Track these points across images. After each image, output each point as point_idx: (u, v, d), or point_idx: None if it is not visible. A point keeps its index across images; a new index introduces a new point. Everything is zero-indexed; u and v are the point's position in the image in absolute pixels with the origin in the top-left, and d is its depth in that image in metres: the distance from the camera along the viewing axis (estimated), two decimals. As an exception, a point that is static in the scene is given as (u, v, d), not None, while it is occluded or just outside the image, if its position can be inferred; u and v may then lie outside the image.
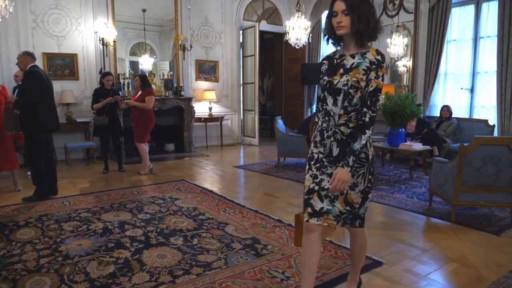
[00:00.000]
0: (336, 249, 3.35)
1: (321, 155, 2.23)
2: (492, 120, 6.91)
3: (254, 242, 3.50)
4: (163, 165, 7.30)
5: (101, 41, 7.71)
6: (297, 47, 8.07)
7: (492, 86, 6.99)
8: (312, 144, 2.28)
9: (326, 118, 2.19)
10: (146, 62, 8.75)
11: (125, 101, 6.52)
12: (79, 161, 7.64)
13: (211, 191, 5.32)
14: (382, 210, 4.60)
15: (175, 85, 8.82)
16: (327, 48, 10.32)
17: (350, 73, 2.08)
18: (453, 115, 7.15)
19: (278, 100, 11.64)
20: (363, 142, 2.07)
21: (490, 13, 7.02)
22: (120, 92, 7.30)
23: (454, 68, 7.69)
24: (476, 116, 7.38)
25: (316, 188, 2.21)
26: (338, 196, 2.20)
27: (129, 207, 4.58)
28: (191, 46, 8.80)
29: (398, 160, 7.61)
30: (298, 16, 7.69)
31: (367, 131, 2.07)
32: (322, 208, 2.18)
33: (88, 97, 7.46)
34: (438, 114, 7.45)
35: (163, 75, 8.88)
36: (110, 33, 7.75)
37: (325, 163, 2.21)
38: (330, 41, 2.21)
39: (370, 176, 2.23)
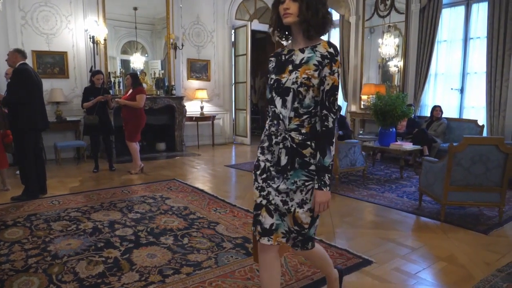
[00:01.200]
0: (327, 248, 3.36)
1: (268, 164, 1.96)
2: (482, 120, 6.98)
3: (244, 241, 3.50)
4: (154, 164, 7.27)
5: (91, 39, 7.65)
6: (289, 47, 8.06)
7: (481, 86, 7.05)
8: (259, 150, 2.01)
9: (275, 122, 1.92)
10: (137, 61, 8.71)
11: (116, 100, 6.47)
12: (69, 160, 7.57)
13: (202, 191, 5.31)
14: (372, 209, 4.62)
15: (166, 84, 8.78)
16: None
17: (299, 70, 1.83)
18: (443, 115, 7.21)
19: (270, 100, 11.61)
20: (333, 152, 1.86)
21: (480, 14, 7.09)
22: (110, 91, 7.25)
23: (445, 68, 7.75)
24: (465, 116, 7.45)
25: (264, 202, 1.96)
26: (285, 214, 1.95)
27: (119, 207, 4.55)
28: (182, 45, 8.77)
29: (389, 160, 7.65)
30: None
31: (333, 139, 1.86)
32: (272, 224, 1.95)
33: (78, 95, 7.40)
34: (428, 114, 7.51)
35: (155, 74, 8.83)
36: (100, 31, 7.70)
37: (273, 173, 1.93)
38: (277, 34, 1.96)
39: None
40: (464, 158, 3.92)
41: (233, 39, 10.03)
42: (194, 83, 9.42)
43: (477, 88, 7.27)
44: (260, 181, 1.97)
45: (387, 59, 8.45)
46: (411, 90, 7.96)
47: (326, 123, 1.83)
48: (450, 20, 7.59)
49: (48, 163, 6.68)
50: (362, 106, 9.00)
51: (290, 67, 1.88)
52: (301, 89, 1.82)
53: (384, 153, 7.50)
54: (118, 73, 8.35)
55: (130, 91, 6.33)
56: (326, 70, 1.80)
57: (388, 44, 8.22)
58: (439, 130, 7.02)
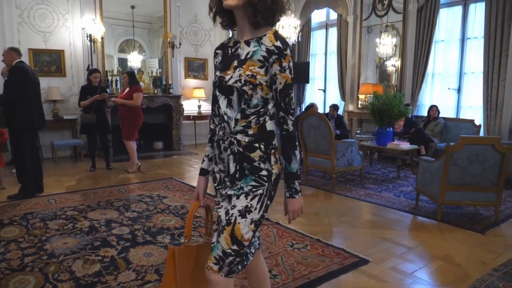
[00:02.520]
0: (323, 247, 3.37)
1: (222, 174, 1.71)
2: (479, 120, 6.99)
3: (241, 241, 3.49)
4: (151, 163, 7.26)
5: (88, 38, 7.63)
6: (286, 46, 8.06)
7: (478, 86, 7.07)
8: (213, 161, 1.79)
9: (222, 125, 1.67)
10: (134, 59, 8.69)
11: (112, 99, 6.45)
12: (66, 159, 7.55)
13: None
14: (369, 208, 4.63)
15: (164, 82, 8.77)
16: (316, 47, 10.36)
17: (243, 66, 1.58)
18: (440, 115, 7.22)
19: (268, 99, 11.62)
20: (299, 156, 1.68)
21: (477, 14, 7.10)
22: (107, 90, 7.24)
23: (442, 68, 7.76)
24: (462, 116, 7.46)
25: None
26: (224, 228, 1.61)
27: (116, 205, 4.54)
28: (180, 44, 8.75)
29: (386, 159, 7.66)
30: (287, 15, 7.69)
31: (296, 142, 1.66)
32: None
33: (75, 94, 7.38)
34: (425, 114, 7.52)
35: (152, 72, 8.82)
36: (98, 30, 7.67)
37: (227, 184, 1.68)
38: (219, 20, 1.74)
39: (268, 202, 1.67)
40: (460, 158, 3.93)
41: (230, 38, 10.00)
42: (192, 82, 9.41)
43: (474, 88, 7.28)
44: (218, 195, 1.75)
45: (384, 59, 8.45)
46: (408, 90, 7.97)
47: (285, 127, 1.63)
48: (447, 20, 7.60)
49: (45, 162, 6.66)
50: (359, 106, 9.00)
51: (235, 63, 1.62)
52: (245, 88, 1.57)
53: (381, 152, 7.51)
54: (115, 72, 8.33)
55: (127, 89, 6.32)
56: (276, 68, 1.56)
57: (386, 44, 8.23)
58: (436, 130, 7.04)
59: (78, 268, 2.93)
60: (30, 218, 4.06)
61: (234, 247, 1.59)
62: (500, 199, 4.05)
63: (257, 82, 1.57)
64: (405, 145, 6.08)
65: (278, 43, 1.56)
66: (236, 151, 1.62)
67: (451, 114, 7.54)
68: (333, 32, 9.72)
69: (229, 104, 1.62)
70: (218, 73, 1.68)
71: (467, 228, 3.91)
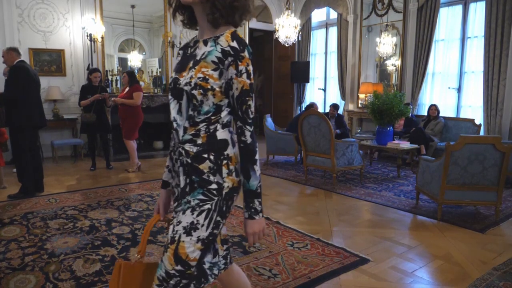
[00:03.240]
0: (324, 246, 3.37)
1: (178, 189, 1.56)
2: (479, 119, 6.99)
3: (241, 240, 3.50)
4: (152, 163, 7.26)
5: (88, 37, 7.62)
6: (286, 45, 8.09)
7: (479, 86, 7.07)
8: (170, 175, 1.66)
9: (173, 134, 1.54)
10: (135, 59, 8.68)
11: (113, 99, 6.45)
12: (66, 158, 7.55)
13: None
14: (369, 208, 4.63)
15: (164, 82, 8.77)
16: (316, 46, 10.36)
17: (196, 68, 1.45)
18: (441, 114, 7.22)
19: (268, 98, 11.64)
20: (259, 171, 1.50)
21: (478, 13, 7.10)
22: (108, 89, 7.24)
23: (442, 67, 7.76)
24: (463, 115, 7.46)
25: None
26: (167, 246, 1.48)
27: (116, 205, 4.55)
28: (180, 43, 8.75)
29: (386, 159, 7.66)
30: (288, 14, 7.70)
31: (256, 155, 1.48)
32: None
33: (76, 93, 7.38)
34: (426, 113, 7.52)
35: (152, 72, 8.81)
36: (98, 29, 7.67)
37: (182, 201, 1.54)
38: (179, 18, 1.60)
39: (219, 218, 1.49)
40: (461, 157, 3.93)
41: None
42: (192, 82, 9.38)
43: (474, 87, 7.28)
44: (174, 213, 1.57)
45: (384, 58, 8.45)
46: (408, 89, 7.97)
47: (243, 138, 1.46)
48: (447, 19, 7.59)
49: (45, 161, 6.66)
50: (359, 105, 9.00)
51: (191, 64, 1.48)
52: (195, 92, 1.42)
53: (382, 152, 7.52)
54: (115, 71, 8.33)
55: (127, 89, 6.32)
56: (232, 71, 1.41)
57: (386, 43, 8.23)
58: (436, 129, 7.04)
59: (78, 267, 2.94)
60: (31, 218, 4.06)
61: (178, 267, 1.44)
62: (500, 198, 4.05)
63: (209, 87, 1.42)
64: (405, 145, 6.09)
65: (234, 44, 1.42)
66: (185, 162, 1.48)
67: (451, 114, 7.54)
68: (333, 31, 9.72)
69: (179, 110, 1.49)
70: (173, 74, 1.55)
71: (467, 227, 3.92)
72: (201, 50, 1.48)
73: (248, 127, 1.47)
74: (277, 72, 10.94)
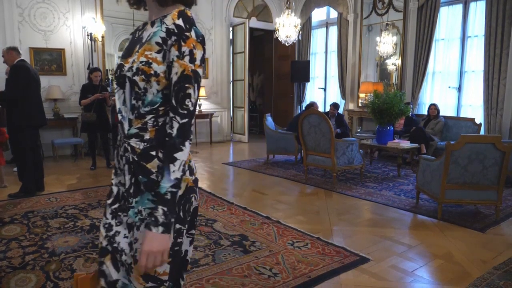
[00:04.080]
0: (324, 245, 3.37)
1: (122, 188, 1.39)
2: (479, 118, 6.99)
3: (242, 239, 3.50)
4: (152, 162, 7.24)
5: (89, 36, 7.63)
6: (287, 44, 8.08)
7: (479, 85, 7.07)
8: (113, 170, 1.46)
9: (119, 126, 1.37)
10: (135, 58, 8.68)
11: (113, 98, 6.45)
12: (67, 158, 7.56)
13: (199, 188, 5.27)
14: (369, 207, 4.63)
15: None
16: (317, 46, 10.36)
17: (139, 51, 1.29)
18: (441, 114, 7.22)
19: (268, 97, 11.64)
20: (177, 175, 1.23)
21: (478, 12, 7.09)
22: (108, 88, 7.24)
23: (442, 67, 7.75)
24: (463, 114, 7.45)
25: (110, 247, 1.36)
26: (131, 265, 1.32)
27: (116, 204, 4.54)
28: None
29: (386, 158, 7.66)
30: (288, 13, 7.70)
31: (179, 153, 1.23)
32: (116, 282, 1.36)
33: (76, 92, 7.38)
34: (426, 113, 7.52)
35: (152, 71, 8.81)
36: (98, 28, 7.67)
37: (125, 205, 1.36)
38: None
39: (180, 226, 1.33)
40: (461, 156, 3.93)
41: (231, 37, 10.01)
42: (192, 81, 9.39)
43: (474, 86, 7.28)
44: (109, 216, 1.39)
45: (385, 57, 8.45)
46: (408, 88, 7.97)
47: (169, 130, 1.24)
48: (448, 18, 7.59)
49: (45, 160, 6.66)
50: (360, 104, 9.00)
51: (137, 48, 1.32)
52: (137, 78, 1.25)
53: (382, 151, 7.51)
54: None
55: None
56: (173, 53, 1.23)
57: (386, 42, 8.23)
58: (436, 128, 7.04)
59: (79, 266, 2.94)
60: (31, 217, 4.07)
61: (150, 284, 1.31)
62: (500, 198, 4.06)
63: (152, 72, 1.24)
64: (406, 144, 6.09)
65: (180, 22, 1.24)
66: (130, 159, 1.30)
67: (452, 113, 7.54)
68: (334, 30, 9.72)
69: (124, 100, 1.32)
70: (119, 60, 1.37)
71: (467, 226, 3.92)
72: (147, 32, 1.32)
73: (178, 118, 1.23)
74: (277, 72, 10.94)
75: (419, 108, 8.07)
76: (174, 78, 1.24)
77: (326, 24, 9.99)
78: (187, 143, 1.25)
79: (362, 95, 8.84)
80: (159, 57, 1.24)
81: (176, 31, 1.23)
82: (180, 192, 1.28)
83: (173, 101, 1.24)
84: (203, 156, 7.98)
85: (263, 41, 11.56)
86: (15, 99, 4.62)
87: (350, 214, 4.34)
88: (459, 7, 7.39)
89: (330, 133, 5.33)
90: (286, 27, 7.70)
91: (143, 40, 1.31)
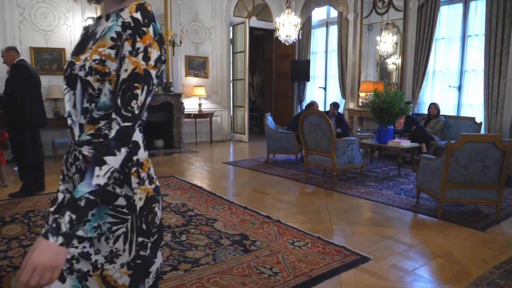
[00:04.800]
0: (324, 245, 3.37)
1: (68, 196, 1.25)
2: (479, 118, 6.99)
3: (242, 238, 3.51)
4: (152, 161, 7.10)
5: (89, 36, 7.62)
6: (287, 44, 8.09)
7: (479, 84, 7.06)
8: (61, 176, 1.32)
9: (68, 131, 1.23)
10: (135, 58, 8.67)
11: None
12: (67, 157, 7.55)
13: (200, 187, 5.31)
14: (370, 206, 4.63)
15: (164, 81, 8.77)
16: (317, 45, 10.36)
17: (93, 48, 1.16)
18: (441, 113, 7.22)
19: (268, 97, 11.64)
20: (101, 181, 1.06)
21: (478, 11, 7.09)
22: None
23: (442, 66, 7.75)
24: (463, 114, 7.45)
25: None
26: (89, 272, 1.20)
27: (117, 203, 4.54)
28: (180, 42, 8.75)
29: (387, 157, 7.66)
30: (288, 13, 7.70)
31: (110, 158, 1.07)
32: None
33: (76, 92, 7.38)
34: (426, 112, 7.52)
35: (153, 70, 8.80)
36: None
37: None
38: None
39: (143, 238, 1.22)
40: (461, 156, 3.93)
41: (231, 36, 10.01)
42: (192, 80, 9.40)
43: (475, 85, 7.28)
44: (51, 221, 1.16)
45: (385, 57, 8.45)
46: (409, 88, 7.97)
47: (106, 132, 1.10)
48: (448, 17, 7.59)
49: (46, 160, 6.65)
50: (360, 104, 9.00)
51: (90, 44, 1.21)
52: (90, 78, 1.13)
53: (382, 150, 7.51)
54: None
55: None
56: (127, 47, 1.11)
57: (386, 42, 8.23)
58: (437, 128, 7.04)
59: (79, 265, 2.94)
60: (32, 216, 4.07)
61: None
62: (501, 197, 4.06)
63: (107, 71, 1.12)
64: (406, 143, 6.09)
65: (137, 15, 1.12)
66: (82, 169, 1.17)
67: (452, 112, 7.54)
68: (334, 30, 9.72)
69: (75, 103, 1.19)
70: (70, 57, 1.25)
71: (468, 226, 3.92)
72: (102, 27, 1.20)
73: (120, 120, 1.09)
74: (278, 71, 10.94)
75: (420, 107, 8.07)
76: (123, 75, 1.10)
77: (326, 24, 9.99)
78: (123, 150, 1.09)
79: (362, 94, 8.84)
80: (113, 53, 1.13)
81: (132, 24, 1.11)
82: (140, 204, 1.20)
83: (118, 101, 1.10)
84: (203, 155, 7.98)
85: (263, 41, 11.56)
86: (15, 99, 4.62)
87: (350, 213, 4.34)
88: (459, 6, 7.39)
89: (330, 132, 5.33)
90: (286, 27, 7.70)
91: (97, 35, 1.20)
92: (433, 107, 7.16)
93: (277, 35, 7.89)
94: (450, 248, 3.37)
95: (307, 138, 5.70)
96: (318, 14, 10.15)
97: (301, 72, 9.95)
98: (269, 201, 4.76)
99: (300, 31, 8.36)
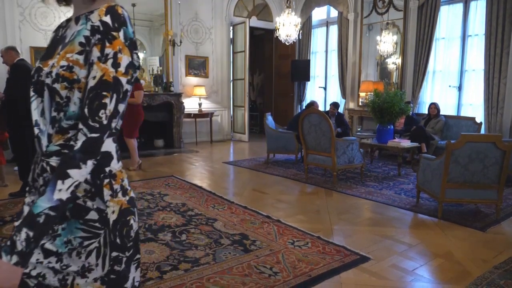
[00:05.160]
0: (324, 245, 3.37)
1: None
2: (480, 117, 6.99)
3: (242, 238, 3.51)
4: (152, 161, 7.26)
5: (89, 36, 7.62)
6: (287, 44, 8.08)
7: (479, 84, 7.06)
8: (27, 188, 1.24)
9: (36, 141, 1.17)
10: (135, 57, 8.67)
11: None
12: (67, 157, 7.55)
13: (200, 187, 5.31)
14: (370, 206, 4.63)
15: (164, 80, 8.77)
16: (317, 45, 10.36)
17: (61, 53, 1.10)
18: (441, 113, 7.22)
19: (268, 97, 11.64)
20: (63, 196, 1.00)
21: (478, 11, 7.08)
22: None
23: (443, 66, 7.75)
24: (463, 113, 7.45)
25: (24, 276, 1.10)
26: (63, 286, 1.14)
27: (117, 203, 4.54)
28: (180, 42, 8.75)
29: (387, 157, 7.66)
30: (288, 13, 7.70)
31: (75, 171, 1.01)
32: None
33: (76, 92, 7.38)
34: (426, 112, 7.52)
35: (153, 70, 8.81)
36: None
37: None
38: None
39: (117, 253, 1.16)
40: (461, 156, 3.93)
41: (231, 36, 10.01)
42: (192, 80, 9.40)
43: (475, 85, 7.28)
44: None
45: (385, 56, 8.45)
46: (409, 88, 7.97)
47: (71, 143, 1.05)
48: (448, 17, 7.58)
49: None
50: (360, 103, 9.00)
51: (59, 49, 1.14)
52: (57, 85, 1.07)
53: (382, 150, 7.51)
54: (116, 70, 8.33)
55: (128, 87, 6.31)
56: (95, 53, 1.05)
57: (386, 41, 8.22)
58: (437, 128, 7.04)
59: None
60: (32, 216, 4.06)
61: None
62: (501, 197, 4.06)
63: (75, 77, 1.06)
64: (406, 143, 6.09)
65: (107, 18, 1.06)
66: None
67: (452, 112, 7.54)
68: (334, 29, 9.72)
69: (43, 111, 1.12)
70: (38, 63, 1.17)
71: (468, 225, 3.92)
72: (71, 31, 1.14)
73: (86, 131, 1.03)
74: (278, 71, 10.94)
75: (420, 107, 8.07)
76: (91, 83, 1.04)
77: (327, 23, 9.99)
78: (89, 162, 1.03)
79: (362, 94, 8.83)
80: (81, 59, 1.06)
81: (101, 28, 1.05)
82: (114, 217, 1.13)
83: (85, 110, 1.03)
84: (203, 155, 7.98)
85: (263, 40, 11.56)
86: (15, 99, 4.62)
87: (350, 213, 4.34)
88: (459, 6, 7.38)
89: (330, 132, 5.33)
90: (287, 26, 7.70)
91: (66, 39, 1.13)
92: (433, 107, 7.15)
93: (277, 35, 7.89)
94: (450, 248, 3.37)
95: (307, 138, 5.70)
96: (318, 14, 10.15)
97: (301, 72, 9.95)
98: (269, 201, 4.76)
99: (300, 31, 8.36)
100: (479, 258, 3.16)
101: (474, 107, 7.34)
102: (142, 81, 7.74)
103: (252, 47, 10.29)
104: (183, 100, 8.86)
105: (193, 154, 8.01)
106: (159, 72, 8.80)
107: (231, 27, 9.89)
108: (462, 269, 2.98)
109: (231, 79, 10.19)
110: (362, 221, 4.13)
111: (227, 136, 10.19)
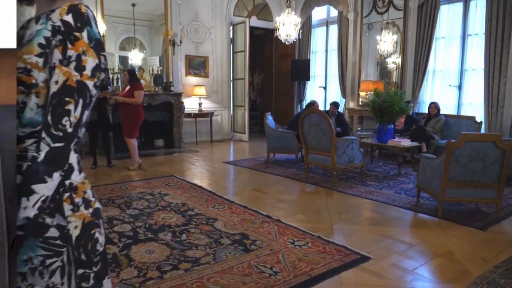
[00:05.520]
0: (324, 244, 3.37)
1: None
2: (480, 117, 6.99)
3: (242, 238, 3.51)
4: (152, 161, 7.27)
5: (89, 36, 7.61)
6: (287, 43, 8.08)
7: (479, 83, 7.06)
8: None
9: None
10: (135, 57, 8.68)
11: (114, 97, 6.44)
12: (67, 157, 7.55)
13: (200, 187, 5.31)
14: (370, 205, 4.63)
15: (164, 80, 8.77)
16: (317, 44, 10.35)
17: (17, 54, 1.02)
18: (441, 112, 7.21)
19: (268, 96, 11.64)
20: (30, 213, 0.95)
21: (478, 11, 7.08)
22: (109, 87, 7.24)
23: (442, 65, 7.74)
24: (464, 113, 7.44)
25: None
26: None
27: (117, 203, 4.55)
28: (181, 42, 8.75)
29: (387, 156, 7.66)
30: (288, 12, 7.70)
31: (40, 186, 0.95)
32: None
33: (76, 92, 7.37)
34: (426, 111, 7.52)
35: (153, 70, 8.82)
36: (99, 27, 7.65)
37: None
38: None
39: (84, 270, 1.11)
40: (461, 155, 3.93)
41: (231, 36, 10.01)
42: (192, 80, 9.40)
43: (475, 85, 7.27)
44: None
45: (385, 56, 8.44)
46: (409, 87, 7.97)
47: (34, 154, 0.96)
48: (448, 16, 7.58)
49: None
50: (360, 103, 9.00)
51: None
52: None
53: (382, 150, 7.51)
54: (116, 70, 8.33)
55: (128, 87, 6.32)
56: (57, 56, 0.98)
57: (386, 41, 8.22)
58: (437, 127, 7.03)
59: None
60: (32, 216, 4.06)
61: None
62: (501, 196, 4.05)
63: (33, 82, 0.98)
64: (406, 142, 6.09)
65: (68, 18, 0.98)
66: None
67: (452, 111, 7.54)
68: (334, 29, 9.72)
69: None
70: None
71: (468, 225, 3.92)
72: (30, 30, 1.04)
73: (49, 140, 0.95)
74: (278, 70, 10.94)
75: (420, 106, 8.07)
76: (53, 88, 0.97)
77: (327, 23, 9.99)
78: (55, 175, 0.96)
79: (362, 93, 8.83)
80: (40, 62, 0.98)
81: (62, 29, 0.98)
82: (76, 232, 1.06)
83: (48, 118, 0.96)
84: (203, 155, 7.99)
85: (263, 40, 11.56)
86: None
87: (350, 212, 4.34)
88: (459, 5, 7.38)
89: (330, 131, 5.33)
90: (287, 26, 7.70)
91: (24, 40, 1.03)
92: (433, 106, 7.15)
93: (277, 34, 7.89)
94: (451, 247, 3.37)
95: (307, 138, 5.70)
96: (318, 13, 10.15)
97: (301, 72, 9.95)
98: (269, 201, 4.76)
99: (300, 31, 8.35)
100: (479, 258, 3.16)
101: (474, 106, 7.33)
102: (142, 81, 7.74)
103: (252, 46, 10.29)
104: (183, 100, 8.86)
105: (193, 154, 8.01)
106: (159, 72, 8.80)
107: (231, 27, 9.89)
108: (463, 268, 2.98)
109: (231, 78, 10.19)
110: (362, 220, 4.13)
111: (227, 135, 10.19)
